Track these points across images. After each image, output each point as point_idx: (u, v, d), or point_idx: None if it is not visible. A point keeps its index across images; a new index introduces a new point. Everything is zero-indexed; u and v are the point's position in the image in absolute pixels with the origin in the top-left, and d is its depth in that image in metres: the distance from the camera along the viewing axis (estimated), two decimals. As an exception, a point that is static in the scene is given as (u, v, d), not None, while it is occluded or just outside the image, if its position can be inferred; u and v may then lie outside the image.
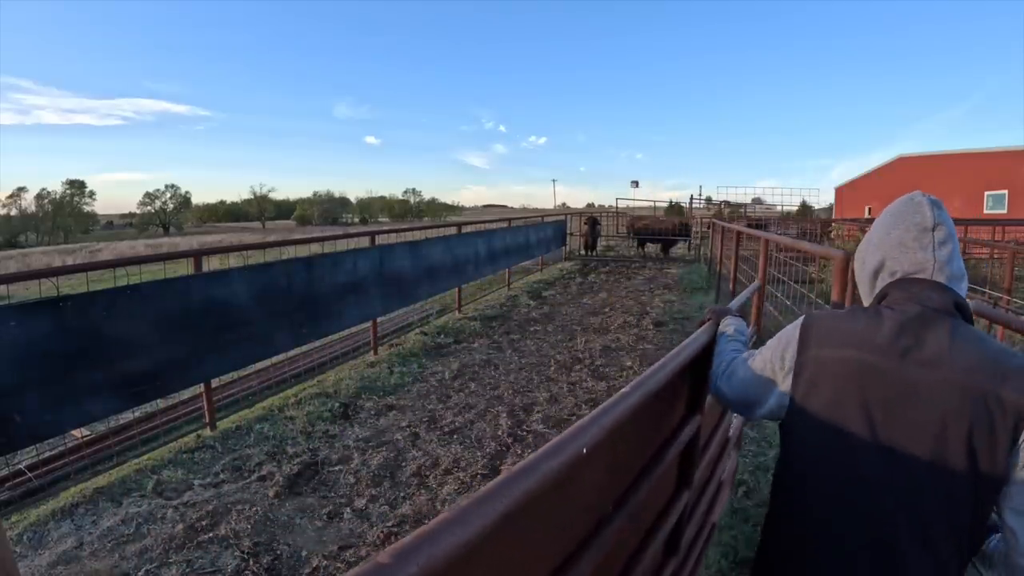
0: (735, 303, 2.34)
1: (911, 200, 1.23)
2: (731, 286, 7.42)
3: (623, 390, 1.14)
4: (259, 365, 5.63)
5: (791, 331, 1.28)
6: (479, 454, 4.15)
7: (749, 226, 12.87)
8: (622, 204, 26.57)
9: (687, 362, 1.54)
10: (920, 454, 1.04)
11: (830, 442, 1.14)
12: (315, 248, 7.13)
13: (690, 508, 1.94)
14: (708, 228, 14.64)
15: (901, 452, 1.06)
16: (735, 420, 2.66)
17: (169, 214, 78.09)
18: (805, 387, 1.20)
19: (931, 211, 1.18)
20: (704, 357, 1.74)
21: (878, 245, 1.25)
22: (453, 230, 9.56)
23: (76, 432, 4.30)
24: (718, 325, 1.79)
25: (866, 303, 1.29)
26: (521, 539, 0.85)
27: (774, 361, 1.29)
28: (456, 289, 9.02)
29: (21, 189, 67.81)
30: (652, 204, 29.54)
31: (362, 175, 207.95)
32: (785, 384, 1.25)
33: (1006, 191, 23.19)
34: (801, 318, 1.28)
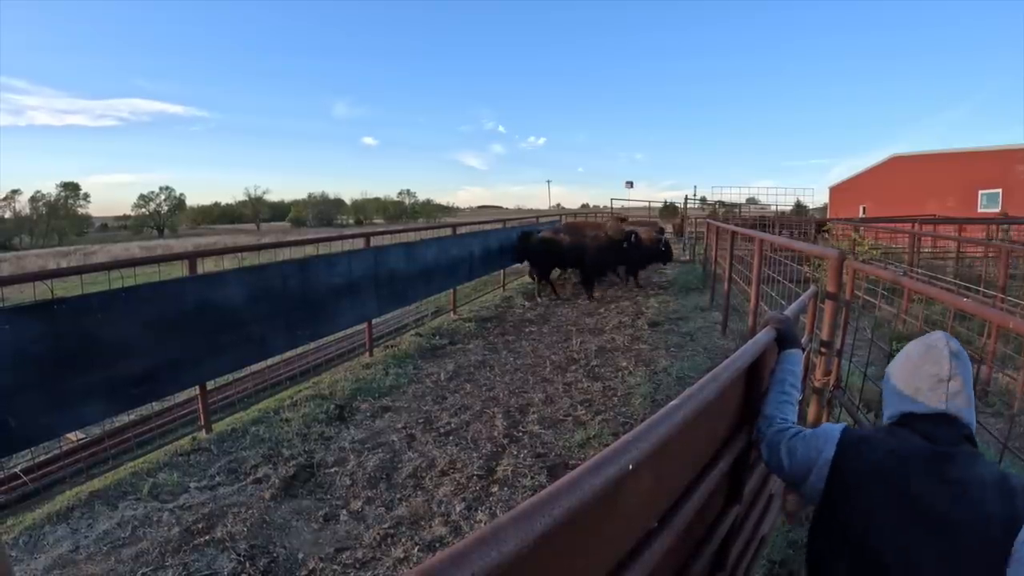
0: (791, 310, 2.34)
1: (932, 348, 1.38)
2: (725, 286, 7.45)
3: (673, 403, 1.09)
4: (254, 367, 5.63)
5: (831, 433, 1.42)
6: (475, 455, 4.15)
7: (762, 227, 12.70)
8: (616, 204, 26.66)
9: (742, 371, 1.48)
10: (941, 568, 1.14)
11: (861, 542, 1.25)
12: (310, 250, 7.12)
13: (739, 522, 1.86)
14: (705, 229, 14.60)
15: (928, 565, 1.16)
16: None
17: (164, 216, 77.72)
18: (840, 488, 1.33)
19: (949, 363, 1.33)
20: (759, 366, 1.68)
21: (903, 385, 1.40)
22: (448, 231, 9.55)
23: (71, 435, 4.29)
24: (777, 336, 1.83)
25: (886, 411, 1.45)
26: (559, 558, 0.80)
27: (813, 456, 1.42)
28: (451, 290, 9.03)
29: (15, 191, 67.42)
30: (647, 204, 29.65)
31: (358, 176, 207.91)
32: (819, 478, 1.38)
33: (1000, 190, 23.27)
34: (840, 428, 1.42)
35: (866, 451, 1.32)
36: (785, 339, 1.84)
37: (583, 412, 4.87)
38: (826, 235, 14.30)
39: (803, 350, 1.93)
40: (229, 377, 5.57)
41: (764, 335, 1.75)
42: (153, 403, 4.58)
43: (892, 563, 1.19)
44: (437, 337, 7.48)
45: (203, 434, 4.60)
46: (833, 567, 1.32)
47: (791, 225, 15.53)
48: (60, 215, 68.29)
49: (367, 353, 6.78)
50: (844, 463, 1.34)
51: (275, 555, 3.09)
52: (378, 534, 3.24)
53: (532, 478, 3.82)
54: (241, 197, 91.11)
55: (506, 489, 3.71)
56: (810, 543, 1.43)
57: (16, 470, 3.91)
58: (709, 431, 1.49)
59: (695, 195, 36.07)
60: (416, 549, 3.12)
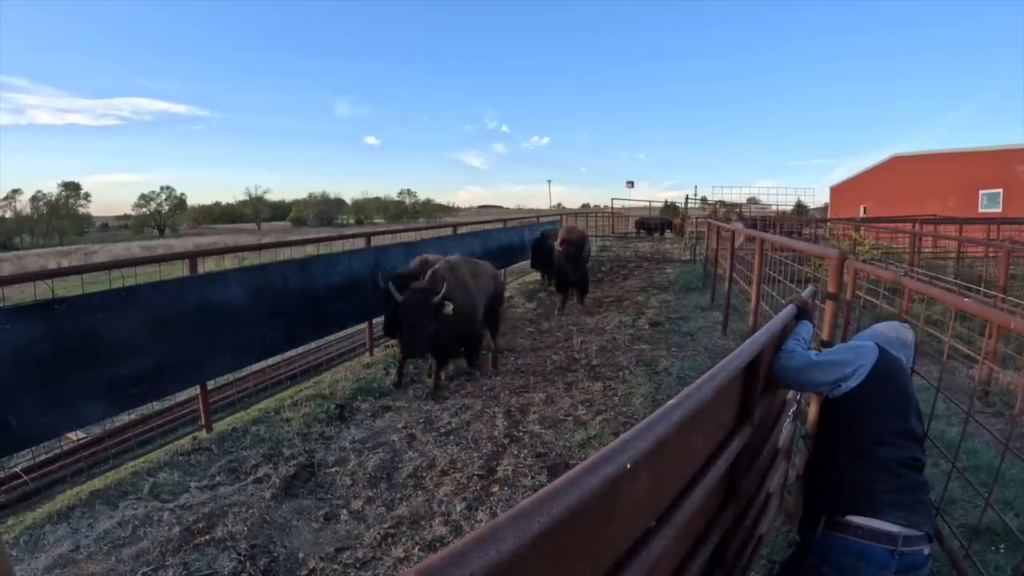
0: (807, 292, 2.79)
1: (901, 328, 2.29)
2: (726, 286, 7.45)
3: (671, 402, 1.09)
4: (255, 367, 5.63)
5: (870, 345, 2.08)
6: (475, 455, 4.16)
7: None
8: (617, 204, 26.68)
9: (739, 371, 1.49)
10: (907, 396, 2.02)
11: (886, 397, 1.97)
12: (310, 250, 7.12)
13: (737, 521, 1.89)
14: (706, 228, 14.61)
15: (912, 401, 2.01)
16: (785, 429, 2.61)
17: (164, 216, 77.74)
18: (874, 375, 1.98)
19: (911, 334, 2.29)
20: (756, 365, 1.71)
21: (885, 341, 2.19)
22: (448, 231, 9.54)
23: (72, 435, 4.29)
24: (795, 312, 2.38)
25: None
26: (557, 558, 0.79)
27: (852, 362, 2.01)
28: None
29: (16, 191, 67.44)
30: (648, 204, 29.67)
31: (360, 175, 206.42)
32: (861, 374, 1.99)
33: (1000, 190, 23.24)
34: (875, 345, 2.07)
35: (889, 358, 2.04)
36: (802, 313, 2.41)
37: (584, 412, 4.87)
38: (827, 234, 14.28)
39: (814, 324, 2.47)
40: (229, 377, 5.57)
41: (787, 310, 2.32)
42: (153, 403, 4.58)
43: (904, 407, 1.96)
44: (437, 337, 7.45)
45: (204, 434, 4.60)
46: (860, 433, 1.92)
47: (774, 224, 15.55)
48: (61, 214, 68.31)
49: (368, 353, 6.78)
50: (883, 364, 2.00)
51: (275, 555, 3.10)
52: (378, 534, 3.24)
53: (532, 478, 3.82)
54: (242, 197, 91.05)
55: (506, 489, 3.71)
56: (827, 425, 2.05)
57: (17, 469, 3.91)
58: (707, 430, 1.49)
59: (696, 195, 36.08)
60: (416, 549, 3.12)
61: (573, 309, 9.34)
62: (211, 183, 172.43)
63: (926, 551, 1.78)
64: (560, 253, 8.48)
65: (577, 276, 8.75)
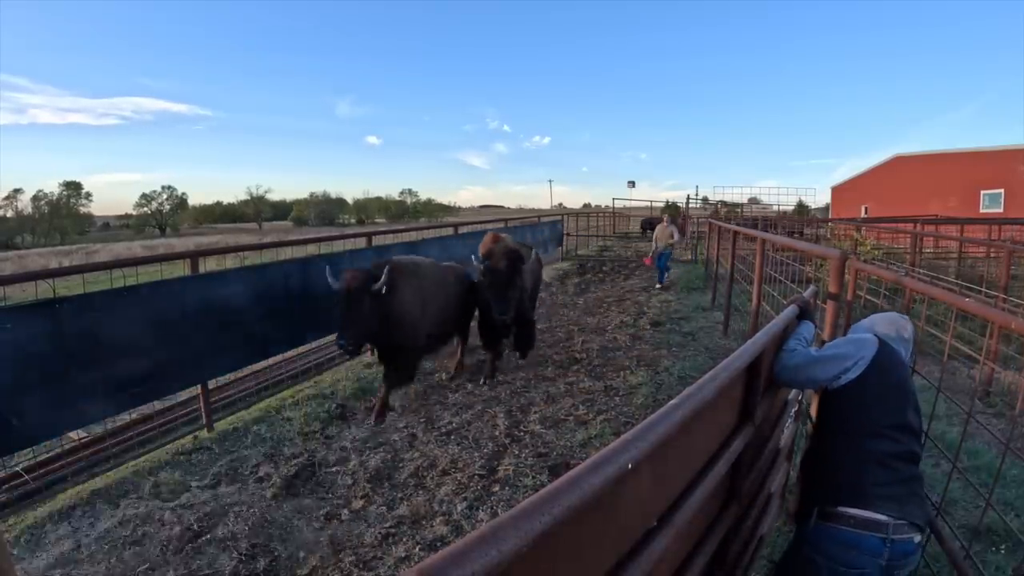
0: (809, 292, 2.79)
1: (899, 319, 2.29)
2: (727, 286, 7.44)
3: (672, 402, 1.09)
4: (256, 366, 5.63)
5: (870, 337, 2.09)
6: (476, 455, 4.15)
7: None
8: (619, 204, 26.71)
9: (741, 371, 1.49)
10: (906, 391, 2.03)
11: (883, 389, 1.98)
12: (311, 249, 7.12)
13: (738, 522, 1.88)
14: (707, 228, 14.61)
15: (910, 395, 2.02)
16: (787, 429, 2.60)
17: (165, 215, 77.75)
18: (873, 368, 1.99)
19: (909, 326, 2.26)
20: (758, 366, 1.71)
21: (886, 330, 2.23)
22: (450, 231, 9.54)
23: (73, 434, 4.30)
24: (797, 312, 2.38)
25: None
26: (559, 557, 0.79)
27: (853, 355, 2.02)
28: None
29: (17, 191, 67.43)
30: (649, 204, 29.71)
31: (361, 175, 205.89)
32: (861, 366, 2.00)
33: (1002, 190, 23.20)
34: (875, 337, 2.10)
35: (889, 351, 2.05)
36: (804, 313, 2.41)
37: (585, 411, 4.87)
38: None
39: (815, 324, 2.47)
40: (230, 376, 5.57)
41: (789, 310, 2.32)
42: (155, 402, 4.58)
43: (901, 401, 1.97)
44: (438, 336, 7.45)
45: (205, 433, 4.61)
46: (857, 424, 1.94)
47: (775, 224, 15.57)
48: (62, 214, 68.27)
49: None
50: (882, 356, 2.01)
51: (276, 554, 3.10)
52: (379, 533, 3.25)
53: (533, 478, 3.82)
54: (243, 196, 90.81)
55: (507, 488, 3.71)
56: (824, 417, 2.08)
57: (18, 468, 3.91)
58: (708, 431, 1.49)
59: (697, 195, 36.13)
60: (417, 548, 3.12)
61: (573, 311, 9.31)
62: (212, 183, 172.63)
63: (916, 539, 1.80)
64: (481, 279, 5.46)
65: (508, 315, 5.24)
